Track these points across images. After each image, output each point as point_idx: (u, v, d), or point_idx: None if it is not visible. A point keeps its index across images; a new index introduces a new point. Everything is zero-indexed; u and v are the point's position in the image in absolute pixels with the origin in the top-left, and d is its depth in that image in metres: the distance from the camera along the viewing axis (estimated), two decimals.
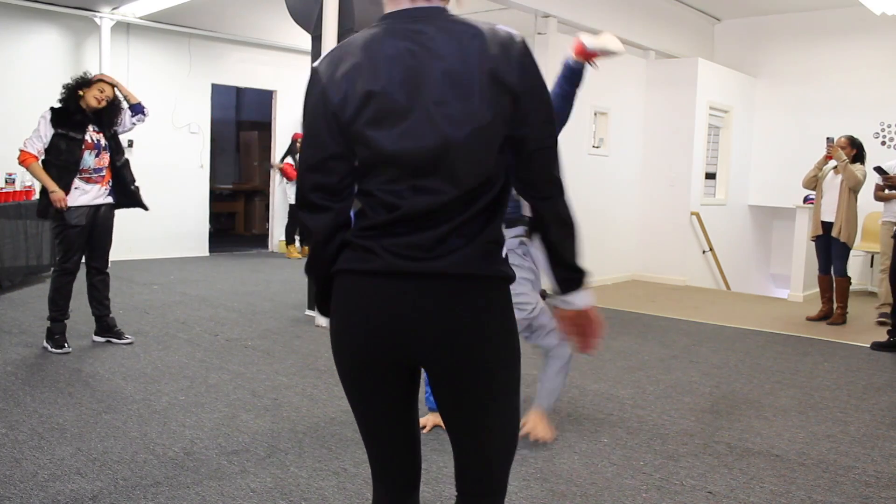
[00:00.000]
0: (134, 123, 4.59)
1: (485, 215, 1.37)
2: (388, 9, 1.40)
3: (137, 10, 7.62)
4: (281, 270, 8.13)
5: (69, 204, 4.22)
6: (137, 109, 4.59)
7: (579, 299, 1.48)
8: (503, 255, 1.42)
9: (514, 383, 1.47)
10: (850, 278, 6.14)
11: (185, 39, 8.56)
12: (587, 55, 3.06)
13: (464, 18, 1.39)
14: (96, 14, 7.52)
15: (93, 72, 4.72)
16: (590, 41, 3.02)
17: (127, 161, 4.52)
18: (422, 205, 1.34)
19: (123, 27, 7.99)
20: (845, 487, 2.84)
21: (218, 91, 9.18)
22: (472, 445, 1.48)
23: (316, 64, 1.41)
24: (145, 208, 4.58)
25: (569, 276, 1.47)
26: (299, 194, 1.44)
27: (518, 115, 1.36)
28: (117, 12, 7.61)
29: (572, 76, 3.12)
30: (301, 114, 1.44)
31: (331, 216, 1.42)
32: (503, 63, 1.33)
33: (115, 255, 7.98)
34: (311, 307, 5.58)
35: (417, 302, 1.35)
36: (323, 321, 5.30)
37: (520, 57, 1.35)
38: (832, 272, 6.15)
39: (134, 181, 4.53)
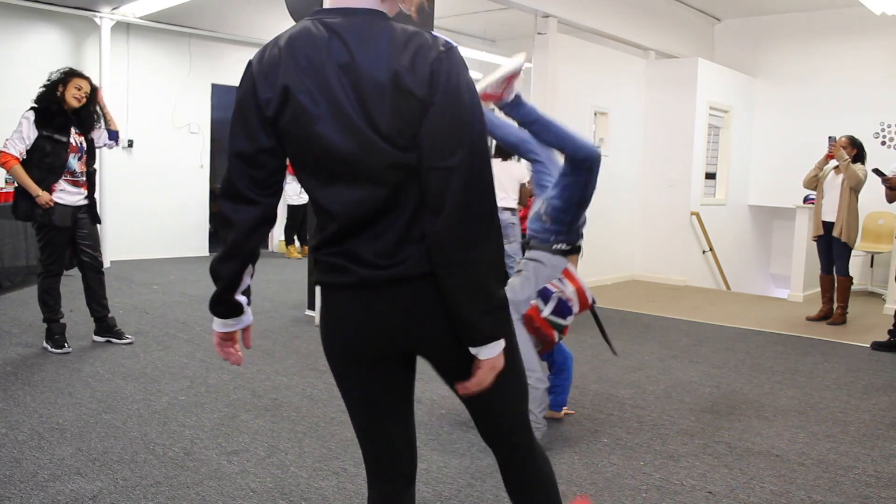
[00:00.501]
0: (105, 145, 4.59)
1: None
2: (325, 4, 1.42)
3: (137, 10, 7.62)
4: (281, 270, 8.13)
5: (55, 202, 4.19)
6: (113, 136, 4.59)
7: (482, 353, 1.35)
8: None
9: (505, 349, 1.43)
10: (851, 278, 6.14)
11: (185, 39, 8.56)
12: (494, 97, 2.92)
13: (396, 24, 1.35)
14: (96, 14, 7.52)
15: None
16: (483, 86, 2.85)
17: (95, 170, 4.50)
18: (359, 210, 1.34)
19: (123, 27, 7.99)
20: (845, 487, 2.84)
21: (218, 91, 9.17)
22: (490, 415, 1.55)
23: (253, 56, 1.41)
24: (98, 221, 4.54)
25: (463, 327, 1.33)
26: (227, 185, 1.41)
27: (420, 128, 1.30)
28: (117, 12, 7.61)
29: (512, 113, 3.03)
30: (235, 105, 1.42)
31: (258, 211, 1.41)
32: (409, 72, 1.28)
33: (115, 255, 8.07)
34: (311, 307, 5.58)
35: (393, 307, 1.39)
36: None
37: (431, 67, 1.28)
38: (834, 272, 6.15)
39: (94, 191, 4.50)
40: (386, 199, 1.33)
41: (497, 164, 6.30)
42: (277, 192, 1.44)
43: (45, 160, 4.16)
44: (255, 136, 1.37)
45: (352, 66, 1.30)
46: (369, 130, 1.30)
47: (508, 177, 5.98)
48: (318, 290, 1.55)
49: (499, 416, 1.55)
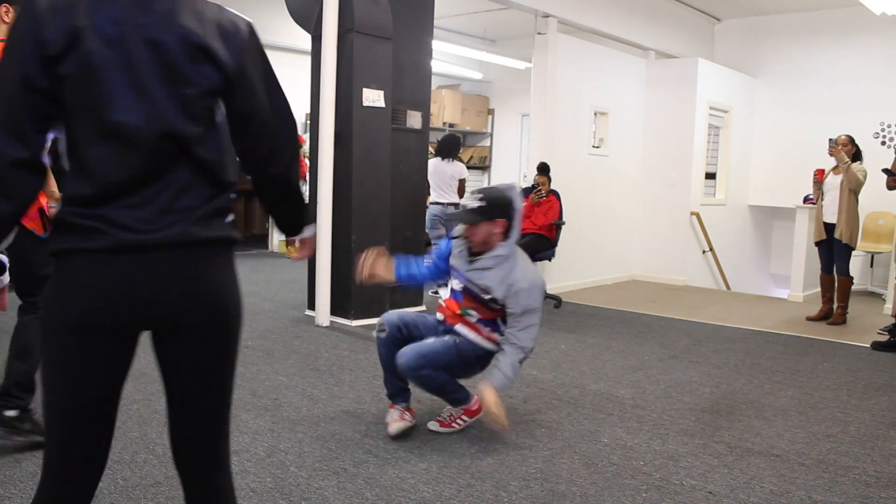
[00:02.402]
0: None
1: (205, 183, 1.40)
2: None
3: None
4: (281, 270, 8.13)
5: None
6: None
7: (308, 231, 1.76)
8: (229, 219, 1.47)
9: (238, 339, 1.55)
10: (852, 278, 6.14)
11: None
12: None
13: None
14: None
15: None
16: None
17: None
18: (123, 172, 1.32)
19: None
20: (845, 487, 2.85)
21: None
22: (206, 410, 1.50)
23: None
24: None
25: (289, 225, 1.75)
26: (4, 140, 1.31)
27: (236, 90, 1.41)
28: None
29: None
30: (8, 43, 1.30)
31: (35, 168, 1.33)
32: (214, 38, 1.36)
33: None
34: (311, 307, 5.58)
35: (145, 274, 1.35)
36: (324, 321, 5.30)
37: (242, 38, 1.42)
38: (834, 272, 6.15)
39: None
40: (153, 167, 1.34)
41: (435, 163, 6.65)
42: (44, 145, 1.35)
43: (57, 163, 4.15)
44: (29, 79, 1.28)
45: (148, 26, 1.32)
46: (150, 92, 1.32)
47: (446, 175, 6.67)
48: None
49: (218, 424, 1.53)
